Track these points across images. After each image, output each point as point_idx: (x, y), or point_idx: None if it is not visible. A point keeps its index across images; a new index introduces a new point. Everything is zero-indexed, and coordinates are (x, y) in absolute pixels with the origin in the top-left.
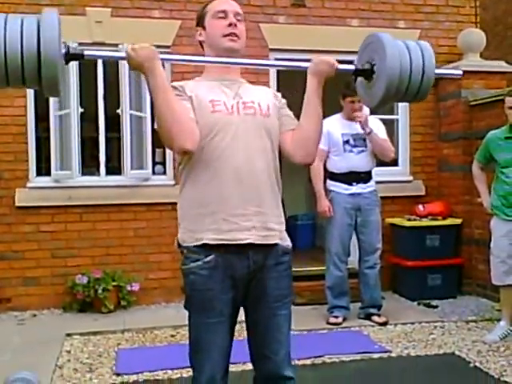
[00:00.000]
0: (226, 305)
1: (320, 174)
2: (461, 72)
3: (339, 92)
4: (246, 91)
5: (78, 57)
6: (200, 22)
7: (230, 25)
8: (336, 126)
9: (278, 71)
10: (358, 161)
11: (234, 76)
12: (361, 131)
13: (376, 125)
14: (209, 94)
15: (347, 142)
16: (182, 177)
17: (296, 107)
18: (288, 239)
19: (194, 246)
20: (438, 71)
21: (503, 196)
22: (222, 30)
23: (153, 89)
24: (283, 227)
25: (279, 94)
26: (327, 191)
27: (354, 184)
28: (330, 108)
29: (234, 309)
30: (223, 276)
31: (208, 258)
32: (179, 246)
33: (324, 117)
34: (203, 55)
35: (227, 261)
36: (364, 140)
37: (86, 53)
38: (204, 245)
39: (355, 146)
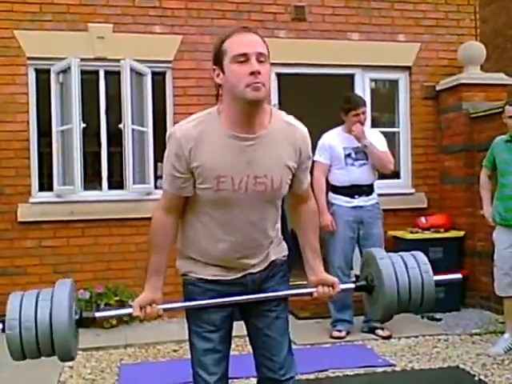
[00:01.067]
0: (221, 316)
1: (322, 188)
2: (460, 276)
3: (339, 107)
4: (261, 157)
5: (90, 320)
6: (217, 63)
7: (252, 73)
8: (337, 139)
9: (279, 83)
10: (359, 174)
11: (257, 122)
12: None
13: (376, 137)
14: (216, 164)
15: (349, 155)
16: (183, 223)
17: (296, 115)
18: (285, 248)
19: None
20: (437, 278)
21: (501, 199)
22: (245, 80)
23: None
24: (277, 242)
25: (306, 146)
26: (329, 204)
27: (356, 197)
28: (328, 116)
29: (230, 317)
30: (220, 294)
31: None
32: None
33: (325, 130)
34: (204, 70)
35: (224, 285)
36: (365, 153)
37: (97, 315)
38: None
39: (357, 160)
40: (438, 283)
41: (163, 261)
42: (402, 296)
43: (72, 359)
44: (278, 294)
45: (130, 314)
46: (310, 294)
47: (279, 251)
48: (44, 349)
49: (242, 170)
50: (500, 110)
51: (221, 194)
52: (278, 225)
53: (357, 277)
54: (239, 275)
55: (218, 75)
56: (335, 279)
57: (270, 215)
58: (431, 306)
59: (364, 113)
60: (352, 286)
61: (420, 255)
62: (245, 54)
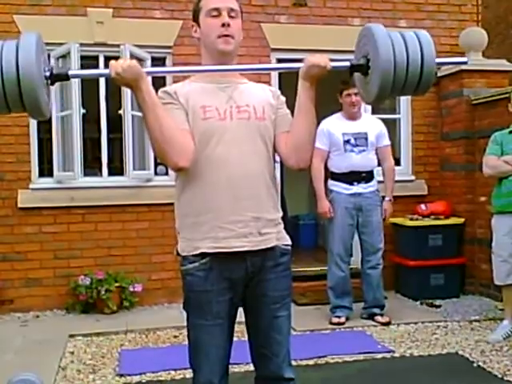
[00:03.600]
0: (223, 307)
1: (321, 175)
2: (466, 59)
3: (337, 90)
4: (241, 94)
5: (63, 77)
6: (195, 18)
7: (223, 25)
8: (336, 125)
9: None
10: (358, 160)
11: (230, 76)
12: (362, 130)
13: (378, 128)
14: (201, 98)
15: (348, 141)
16: (177, 186)
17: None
18: (287, 238)
19: (193, 256)
20: (439, 60)
21: (505, 184)
22: (216, 31)
23: (141, 107)
24: (281, 227)
25: (278, 92)
26: (328, 191)
27: (355, 184)
28: (327, 107)
29: (232, 310)
30: (220, 278)
31: (204, 260)
32: (178, 254)
33: (323, 117)
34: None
35: (224, 264)
36: (365, 139)
37: (70, 72)
38: (202, 253)
39: (356, 146)
40: (439, 64)
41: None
42: (398, 69)
43: (43, 116)
44: (261, 66)
45: (107, 75)
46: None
47: (281, 237)
48: (12, 99)
49: (225, 102)
50: (501, 96)
51: (209, 123)
52: (277, 201)
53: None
54: (238, 244)
55: (195, 31)
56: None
57: (263, 156)
58: (428, 87)
59: (356, 94)
60: (347, 63)
61: (424, 34)
62: (217, 9)
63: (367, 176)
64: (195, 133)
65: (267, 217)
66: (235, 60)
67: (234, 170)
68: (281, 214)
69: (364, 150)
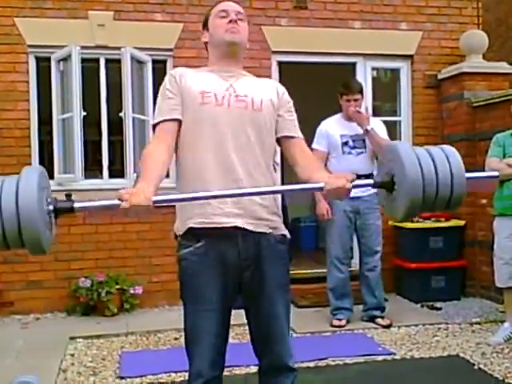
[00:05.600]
0: (217, 292)
1: None
2: (497, 174)
3: (338, 91)
4: (242, 84)
5: (67, 211)
6: (205, 25)
7: (230, 21)
8: (335, 127)
9: (280, 75)
10: (357, 163)
11: (234, 68)
12: (360, 132)
13: (376, 126)
14: (202, 84)
15: (346, 143)
16: (176, 171)
17: (298, 103)
18: (284, 230)
19: (184, 233)
20: (469, 175)
21: (507, 186)
22: (223, 27)
23: None
24: (276, 218)
25: (285, 92)
26: None
27: None
28: (328, 108)
29: (226, 298)
30: (213, 262)
31: (198, 244)
32: (175, 237)
33: (323, 117)
34: (207, 58)
35: (217, 247)
36: (363, 141)
37: (76, 205)
38: (191, 229)
39: (354, 148)
40: (469, 179)
41: (158, 169)
42: (427, 189)
43: (44, 252)
44: (277, 188)
45: (117, 206)
46: (321, 188)
47: (276, 226)
48: (11, 239)
49: (225, 89)
50: (502, 99)
51: (206, 108)
52: (273, 184)
53: None
54: (227, 221)
55: (204, 36)
56: (349, 174)
57: (257, 144)
58: (459, 203)
59: (356, 100)
60: (371, 181)
61: (450, 149)
62: (225, 11)
63: (365, 179)
64: (190, 116)
65: (260, 201)
66: (241, 63)
67: (227, 154)
68: (277, 203)
69: (362, 153)
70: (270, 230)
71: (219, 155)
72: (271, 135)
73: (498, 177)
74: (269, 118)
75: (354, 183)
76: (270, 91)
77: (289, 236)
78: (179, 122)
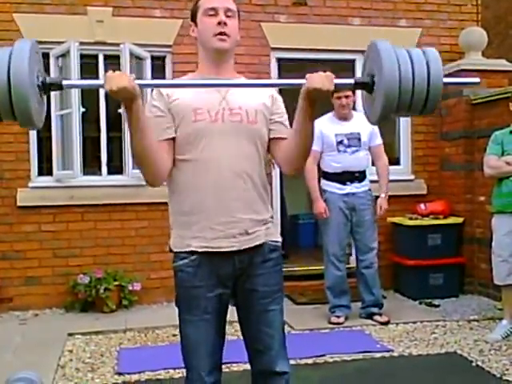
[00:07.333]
0: (212, 302)
1: (314, 176)
2: (478, 80)
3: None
4: (234, 95)
5: (56, 87)
6: (193, 18)
7: (219, 23)
8: (329, 126)
9: (280, 71)
10: (352, 160)
11: (224, 71)
12: (354, 130)
13: (370, 127)
14: (194, 100)
15: (341, 142)
16: (168, 186)
17: (296, 101)
18: (277, 235)
19: (183, 252)
20: (448, 80)
21: (506, 184)
22: (212, 29)
23: (128, 124)
24: (270, 225)
25: (276, 96)
26: (321, 191)
27: (348, 184)
28: (329, 103)
29: (222, 306)
30: (208, 274)
31: (193, 257)
32: (170, 250)
33: (320, 115)
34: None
35: (212, 261)
36: (358, 139)
37: (64, 82)
38: (192, 251)
39: (349, 146)
40: (447, 84)
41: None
42: (403, 87)
43: (34, 127)
44: (263, 82)
45: (101, 86)
46: (300, 85)
47: (269, 233)
48: (2, 108)
49: (217, 104)
50: (501, 96)
51: (199, 125)
52: (267, 201)
53: None
54: (226, 245)
55: (193, 30)
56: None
57: (253, 158)
58: (435, 107)
59: (347, 97)
60: (351, 81)
61: (431, 51)
62: (214, 8)
63: (360, 176)
64: (184, 134)
65: (256, 217)
66: (232, 59)
67: (222, 172)
68: (271, 213)
69: (357, 150)
70: (264, 239)
71: (214, 171)
72: (265, 146)
73: (479, 83)
74: (263, 128)
75: (334, 81)
76: (262, 98)
77: (280, 239)
78: (173, 138)
